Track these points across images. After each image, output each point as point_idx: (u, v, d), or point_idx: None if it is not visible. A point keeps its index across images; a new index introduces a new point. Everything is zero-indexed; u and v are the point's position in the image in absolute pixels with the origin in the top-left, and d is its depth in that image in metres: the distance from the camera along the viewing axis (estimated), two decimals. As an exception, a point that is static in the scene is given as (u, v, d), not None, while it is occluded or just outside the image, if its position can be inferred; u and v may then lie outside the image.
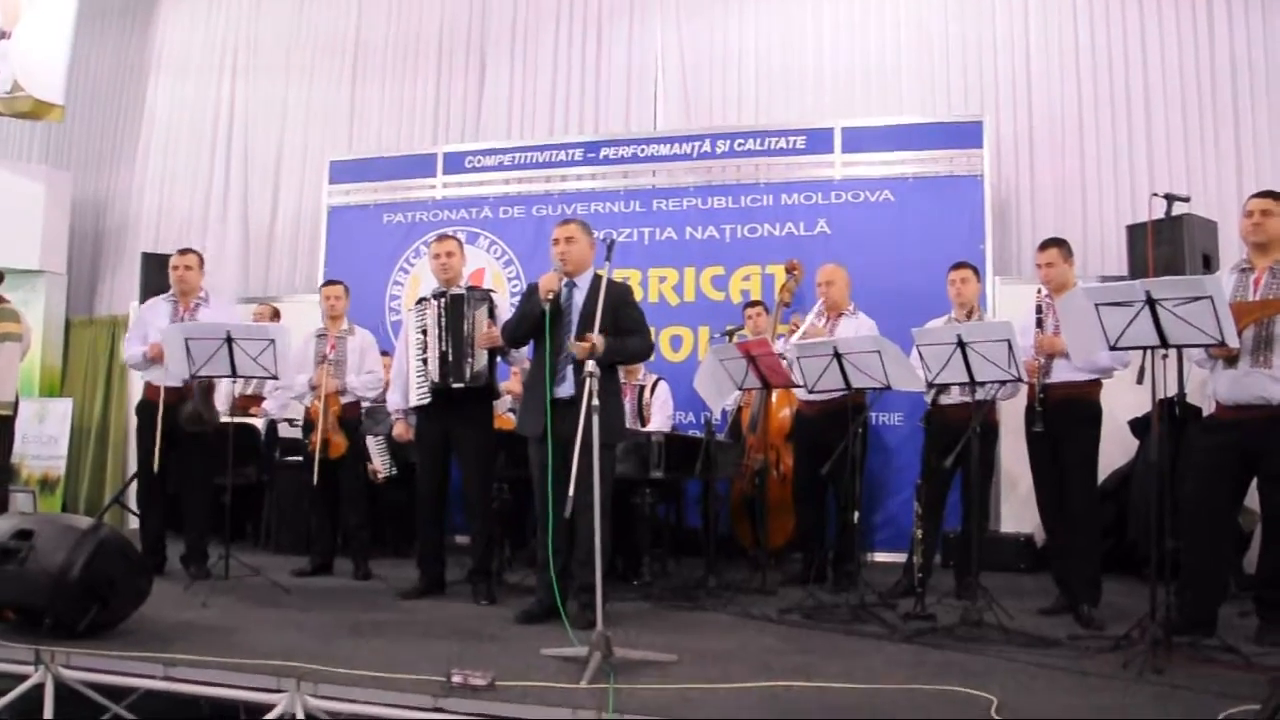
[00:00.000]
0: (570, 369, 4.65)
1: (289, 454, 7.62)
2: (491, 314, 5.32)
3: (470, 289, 5.51)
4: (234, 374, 5.48)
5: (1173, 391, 4.33)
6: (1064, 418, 4.85)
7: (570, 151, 8.12)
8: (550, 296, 4.62)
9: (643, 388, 6.54)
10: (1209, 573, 4.28)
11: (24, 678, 3.65)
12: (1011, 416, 5.70)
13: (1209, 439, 4.38)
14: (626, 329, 4.73)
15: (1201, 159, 7.29)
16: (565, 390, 4.66)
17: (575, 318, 4.73)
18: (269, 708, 3.38)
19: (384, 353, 6.71)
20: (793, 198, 7.49)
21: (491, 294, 5.50)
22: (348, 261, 8.07)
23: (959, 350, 4.54)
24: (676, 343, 7.56)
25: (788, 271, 6.86)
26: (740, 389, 5.74)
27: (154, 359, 5.75)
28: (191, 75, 10.07)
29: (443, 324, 5.32)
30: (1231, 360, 4.19)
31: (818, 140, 7.52)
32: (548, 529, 4.51)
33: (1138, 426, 6.14)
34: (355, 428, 6.32)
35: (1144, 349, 3.99)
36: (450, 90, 9.24)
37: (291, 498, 7.19)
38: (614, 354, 4.54)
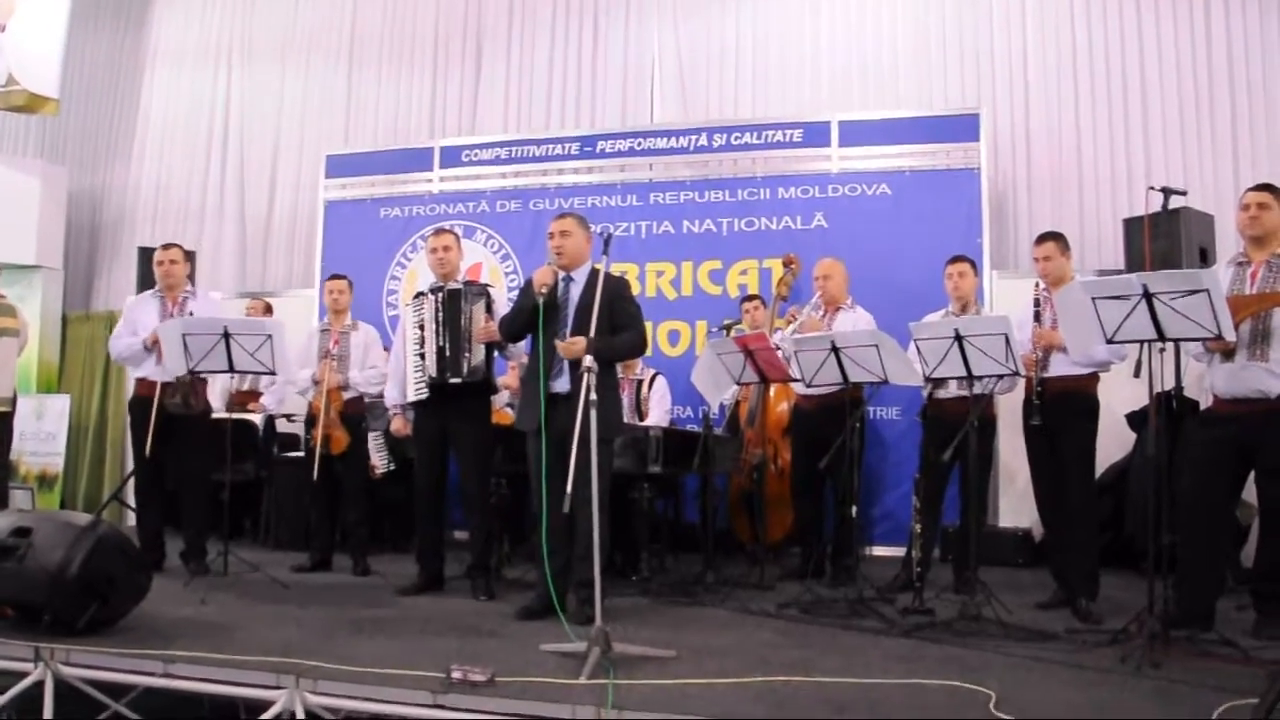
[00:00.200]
0: (566, 363, 4.64)
1: (287, 450, 7.63)
2: (489, 309, 5.32)
3: (467, 283, 5.51)
4: (231, 369, 5.47)
5: (1170, 385, 4.32)
6: (1061, 411, 4.86)
7: (567, 145, 8.10)
8: (544, 290, 4.62)
9: (640, 382, 6.53)
10: (1206, 566, 4.29)
11: (23, 675, 3.66)
12: (1009, 411, 5.70)
13: (1206, 433, 4.38)
14: (621, 324, 4.72)
15: (1198, 153, 7.29)
16: (561, 385, 4.66)
17: (571, 312, 4.73)
18: (268, 704, 3.39)
19: (387, 348, 6.70)
20: (790, 191, 7.47)
21: (489, 288, 5.50)
22: (344, 256, 8.04)
23: (956, 344, 4.55)
24: (674, 337, 7.56)
25: (785, 265, 6.86)
26: (738, 383, 5.74)
27: (153, 346, 5.73)
28: (187, 69, 10.04)
29: (440, 319, 5.31)
30: (1228, 354, 4.19)
31: (815, 134, 7.51)
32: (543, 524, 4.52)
33: (1135, 420, 6.15)
34: (358, 423, 6.33)
35: (1141, 342, 3.99)
36: (446, 84, 9.22)
37: (290, 494, 7.19)
38: (603, 354, 4.42)
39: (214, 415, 6.24)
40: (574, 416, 4.09)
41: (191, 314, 5.89)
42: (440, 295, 5.37)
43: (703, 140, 7.77)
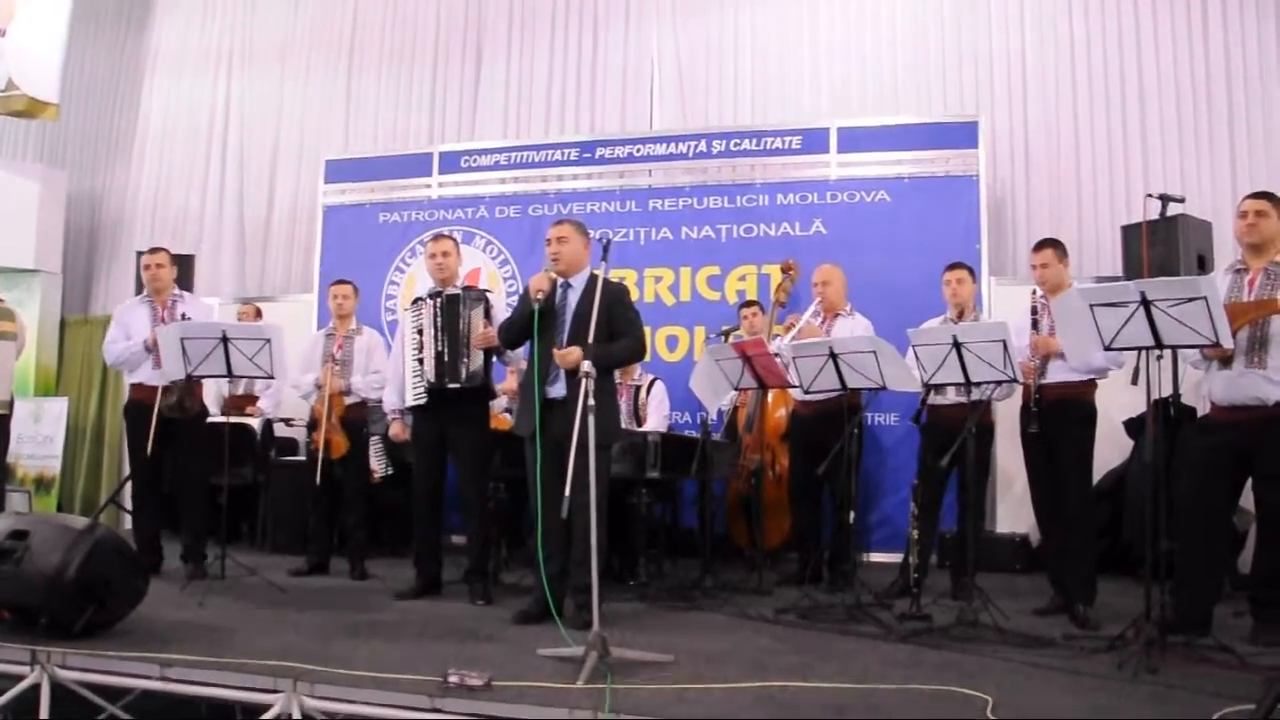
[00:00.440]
0: (563, 369, 4.65)
1: (285, 454, 7.63)
2: (487, 314, 5.33)
3: (466, 289, 5.51)
4: (230, 374, 5.49)
5: (1167, 392, 4.33)
6: (1059, 418, 4.86)
7: (566, 151, 8.12)
8: (539, 297, 4.63)
9: (639, 388, 6.54)
10: (1204, 573, 4.29)
11: (20, 678, 3.66)
12: (1007, 417, 5.72)
13: (1204, 439, 4.39)
14: (619, 330, 4.72)
15: (1196, 160, 7.30)
16: (558, 391, 4.66)
17: (569, 318, 4.73)
18: (266, 708, 3.39)
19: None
20: (788, 198, 7.48)
21: (487, 294, 5.51)
22: (343, 261, 8.05)
23: (954, 351, 4.56)
24: (672, 343, 7.56)
25: (783, 271, 6.87)
26: (736, 389, 5.74)
27: (154, 346, 5.73)
28: (187, 74, 10.05)
29: (438, 324, 5.32)
30: (1226, 361, 4.20)
31: (813, 140, 7.52)
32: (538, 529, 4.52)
33: (1132, 427, 6.16)
34: (360, 428, 6.33)
35: (1139, 349, 4.00)
36: (446, 90, 9.23)
37: (288, 498, 7.18)
38: (601, 362, 4.39)
39: (209, 419, 6.23)
40: (571, 421, 4.09)
41: (183, 316, 5.89)
42: (439, 301, 5.38)
43: (702, 146, 7.78)
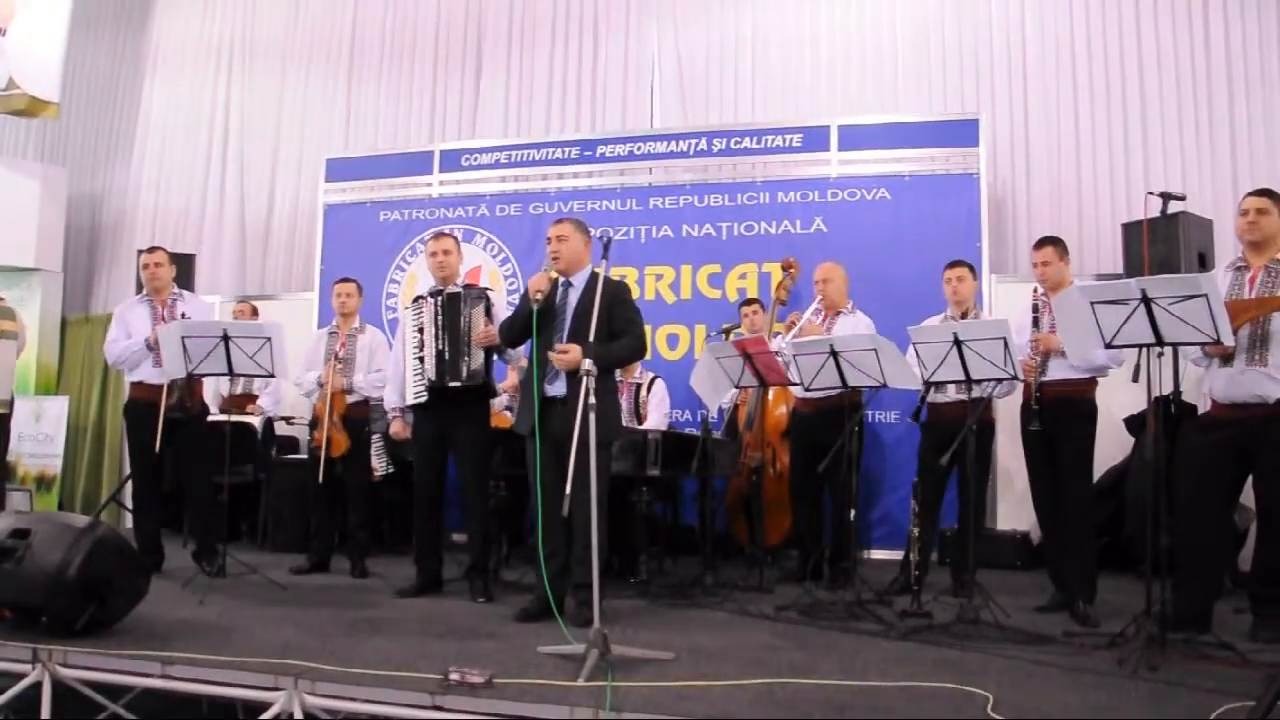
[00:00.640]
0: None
1: (286, 452, 7.64)
2: (488, 312, 5.32)
3: (467, 287, 5.51)
4: (230, 372, 5.50)
5: (1168, 389, 4.33)
6: (1060, 416, 4.86)
7: (567, 149, 8.12)
8: (538, 296, 4.63)
9: (639, 385, 6.54)
10: (1204, 570, 4.29)
11: (21, 676, 3.66)
12: (1008, 414, 5.71)
13: (1205, 437, 4.38)
14: (620, 328, 4.72)
15: (1197, 157, 7.30)
16: (557, 389, 4.67)
17: (569, 316, 4.73)
18: (267, 706, 3.39)
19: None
20: (789, 196, 7.49)
21: (488, 292, 5.51)
22: (344, 259, 8.05)
23: (955, 348, 4.56)
24: (673, 341, 7.56)
25: (784, 269, 6.87)
26: (737, 387, 5.74)
27: (156, 345, 5.73)
28: (187, 72, 10.05)
29: (439, 322, 5.32)
30: (1227, 358, 4.20)
31: (814, 138, 7.53)
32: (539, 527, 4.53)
33: (1133, 424, 6.16)
34: (362, 427, 6.33)
35: (1139, 347, 4.00)
36: (447, 88, 9.23)
37: (288, 496, 7.19)
38: (600, 362, 4.34)
39: (209, 417, 6.24)
40: (570, 420, 4.09)
41: (183, 315, 5.90)
42: (440, 299, 5.38)
43: (702, 144, 7.78)
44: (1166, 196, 4.92)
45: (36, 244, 9.48)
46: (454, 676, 3.33)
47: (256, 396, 7.37)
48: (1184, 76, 7.39)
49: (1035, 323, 5.01)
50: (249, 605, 4.94)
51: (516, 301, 5.12)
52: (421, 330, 5.37)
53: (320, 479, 6.10)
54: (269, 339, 5.38)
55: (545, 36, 8.98)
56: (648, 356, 5.99)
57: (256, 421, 7.54)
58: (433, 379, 5.28)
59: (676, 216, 7.70)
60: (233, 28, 9.98)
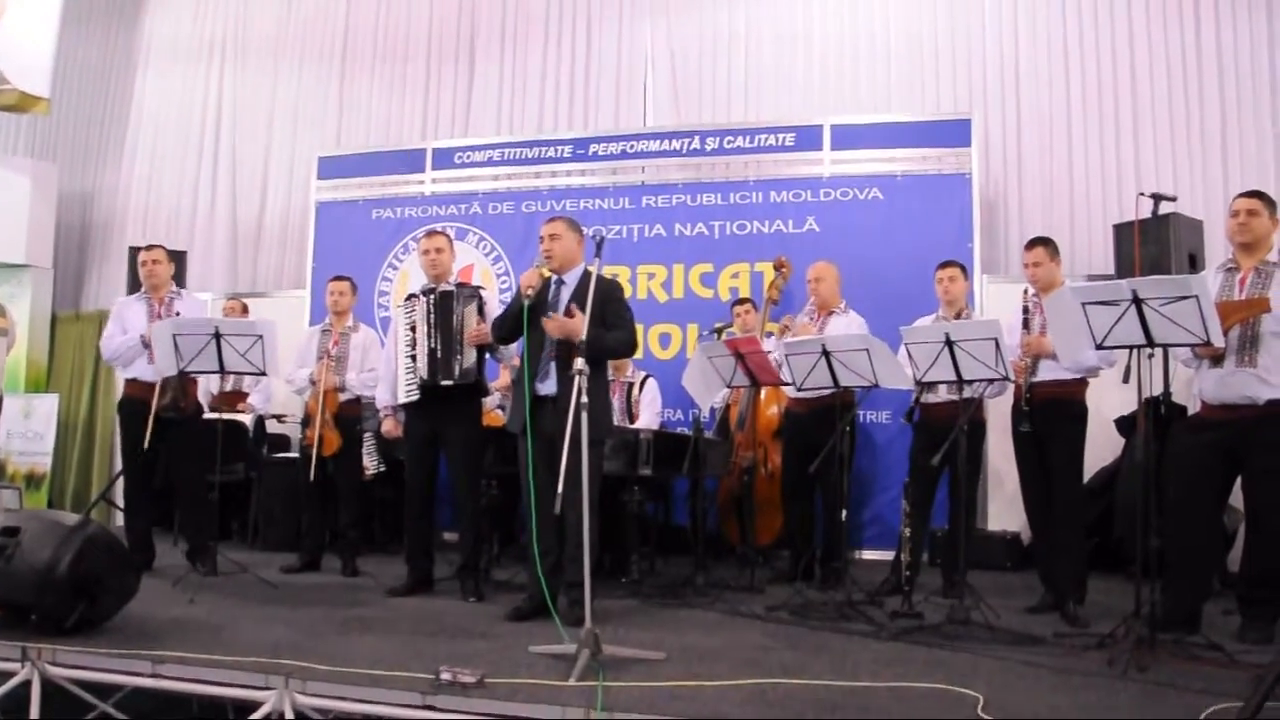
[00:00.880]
0: (553, 365, 4.65)
1: (277, 451, 7.62)
2: (480, 311, 5.31)
3: (459, 285, 5.50)
4: (222, 370, 5.48)
5: (1159, 390, 4.36)
6: (1050, 417, 4.87)
7: (559, 148, 8.11)
8: (530, 293, 4.62)
9: (631, 385, 6.54)
10: (1193, 571, 4.32)
11: (10, 675, 3.65)
12: (998, 415, 5.72)
13: (1194, 438, 4.40)
14: (611, 325, 4.72)
15: (1188, 159, 7.32)
16: (548, 387, 4.67)
17: (561, 313, 4.72)
18: (257, 705, 3.38)
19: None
20: (782, 195, 7.49)
21: (481, 290, 5.50)
22: (336, 257, 8.03)
23: (947, 348, 4.56)
24: (665, 340, 7.56)
25: (776, 269, 6.87)
26: (729, 386, 5.75)
27: (149, 343, 5.73)
28: (180, 68, 10.01)
29: (431, 321, 5.31)
30: (1217, 360, 4.22)
31: (807, 137, 7.53)
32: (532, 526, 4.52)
33: (1124, 425, 6.18)
34: (353, 425, 6.32)
35: (1130, 348, 4.01)
36: (439, 85, 9.21)
37: (279, 495, 7.17)
38: (593, 345, 4.34)
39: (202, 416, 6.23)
40: (561, 418, 4.09)
41: (179, 314, 5.88)
42: (432, 297, 5.37)
43: (695, 143, 7.78)
44: (1157, 198, 4.93)
45: (27, 240, 9.42)
46: (445, 676, 3.32)
47: (247, 394, 7.35)
48: (1175, 78, 7.41)
49: (1026, 323, 5.01)
50: (240, 604, 4.92)
51: (509, 300, 5.11)
52: (414, 328, 5.36)
53: (311, 477, 6.08)
54: (260, 336, 5.38)
55: (538, 34, 8.97)
56: (639, 355, 5.99)
57: (248, 420, 7.52)
58: (425, 377, 5.27)
59: (669, 215, 7.70)
60: (225, 23, 9.94)
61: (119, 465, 6.35)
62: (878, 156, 7.35)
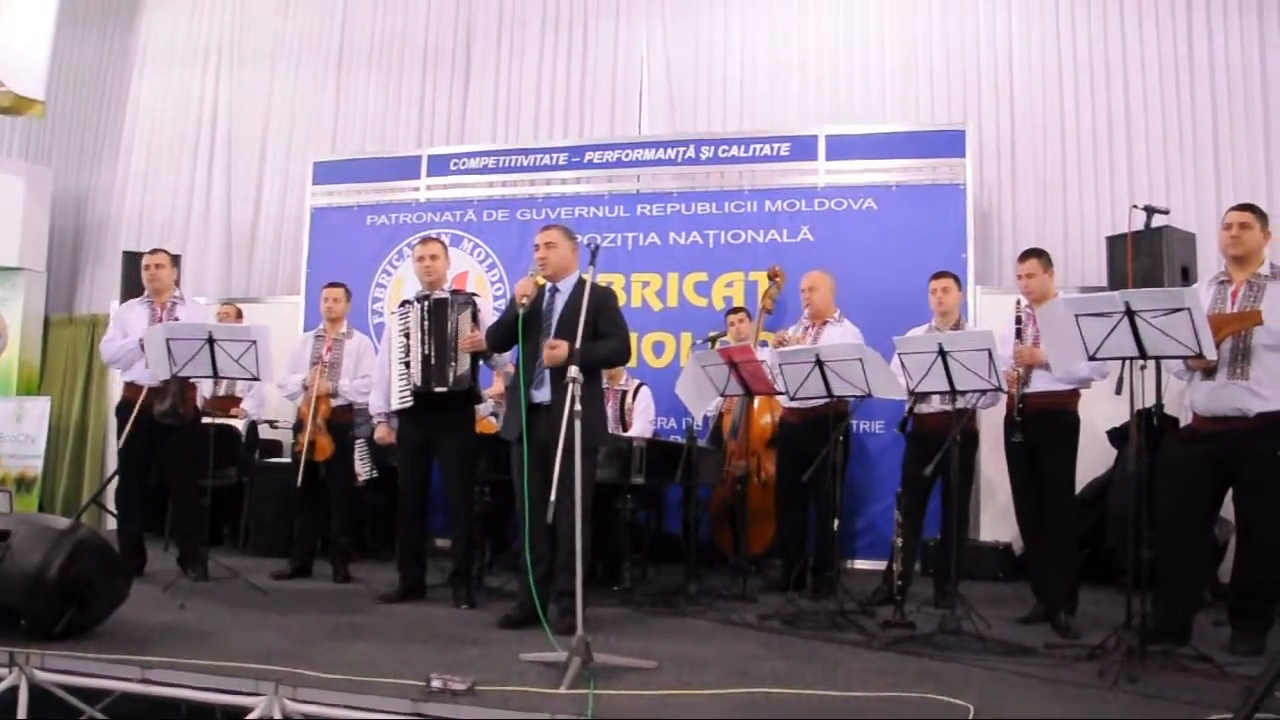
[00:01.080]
0: (548, 373, 4.65)
1: (269, 456, 7.60)
2: (475, 318, 5.32)
3: (454, 292, 5.50)
4: (215, 375, 5.47)
5: (1151, 402, 4.36)
6: (1042, 427, 4.89)
7: (555, 155, 8.11)
8: (524, 301, 4.63)
9: (625, 393, 6.54)
10: (1184, 582, 4.32)
11: (-2, 680, 3.63)
12: (991, 426, 5.73)
13: (1186, 450, 4.41)
14: (605, 333, 4.72)
15: (1181, 171, 7.36)
16: (543, 395, 4.67)
17: (555, 322, 4.73)
18: (247, 710, 3.37)
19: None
20: (776, 204, 7.49)
21: (475, 297, 5.50)
22: (331, 263, 8.03)
23: (940, 359, 4.57)
24: (659, 348, 7.56)
25: (770, 278, 6.88)
26: (722, 395, 5.75)
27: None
28: (175, 73, 10.00)
29: (425, 327, 5.31)
30: (1209, 372, 4.23)
31: (802, 147, 7.54)
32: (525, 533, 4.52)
33: (1116, 437, 6.19)
34: (345, 431, 6.31)
35: (1123, 360, 4.02)
36: (435, 92, 9.22)
37: (271, 500, 7.15)
38: (585, 358, 4.32)
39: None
40: (555, 426, 4.09)
41: (178, 319, 5.88)
42: (426, 304, 5.37)
43: (690, 152, 7.79)
44: (1150, 210, 4.97)
45: (20, 243, 9.40)
46: (436, 683, 3.32)
47: (240, 399, 7.34)
48: (1169, 91, 7.45)
49: (1019, 335, 5.03)
50: (230, 609, 4.91)
51: (503, 308, 5.11)
52: (408, 335, 5.36)
53: (301, 483, 6.06)
54: (254, 342, 5.36)
55: (534, 42, 8.99)
56: (633, 364, 5.98)
57: (240, 425, 7.50)
58: (418, 384, 5.27)
59: (664, 224, 7.70)
60: (222, 28, 9.94)
61: (110, 469, 6.33)
62: (872, 167, 7.36)
